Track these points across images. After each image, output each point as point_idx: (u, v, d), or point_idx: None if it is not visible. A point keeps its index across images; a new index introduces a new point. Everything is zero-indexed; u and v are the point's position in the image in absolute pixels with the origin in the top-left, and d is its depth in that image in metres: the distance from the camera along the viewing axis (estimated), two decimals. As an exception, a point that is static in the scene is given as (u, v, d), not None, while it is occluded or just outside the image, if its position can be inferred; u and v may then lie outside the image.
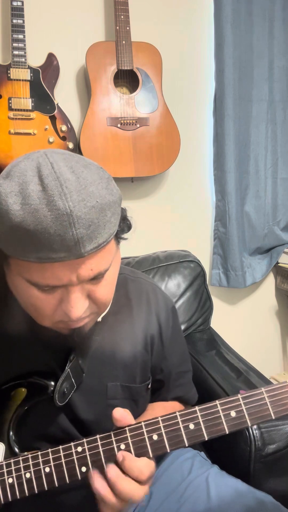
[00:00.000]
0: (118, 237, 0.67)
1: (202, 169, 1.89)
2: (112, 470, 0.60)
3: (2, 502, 0.65)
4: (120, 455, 0.61)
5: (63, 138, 1.58)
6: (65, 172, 0.58)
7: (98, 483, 0.60)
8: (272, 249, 1.98)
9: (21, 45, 1.51)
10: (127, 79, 1.64)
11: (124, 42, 1.58)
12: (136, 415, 0.65)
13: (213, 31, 1.76)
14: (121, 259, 1.47)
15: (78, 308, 0.62)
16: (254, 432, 0.96)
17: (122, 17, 1.57)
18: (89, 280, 0.62)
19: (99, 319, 0.79)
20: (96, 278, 0.63)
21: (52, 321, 0.66)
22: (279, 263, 1.97)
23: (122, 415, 0.63)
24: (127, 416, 0.63)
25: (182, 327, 1.47)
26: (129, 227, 0.70)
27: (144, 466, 0.60)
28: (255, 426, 0.97)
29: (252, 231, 1.92)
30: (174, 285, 1.48)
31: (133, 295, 0.86)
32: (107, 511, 0.62)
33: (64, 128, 1.57)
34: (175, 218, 1.87)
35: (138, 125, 1.62)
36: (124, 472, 0.60)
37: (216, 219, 1.88)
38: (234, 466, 0.95)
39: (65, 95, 1.64)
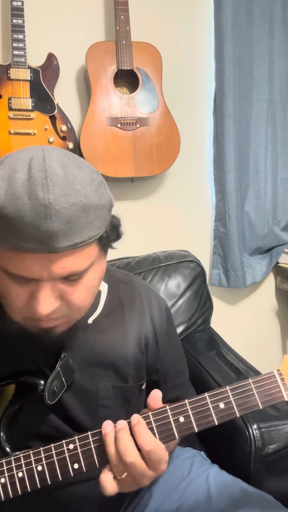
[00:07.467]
0: (103, 244, 0.66)
1: (202, 169, 1.89)
2: (121, 422, 0.63)
3: None
4: (135, 417, 0.63)
5: (63, 138, 1.58)
6: (54, 166, 0.58)
7: (107, 423, 0.63)
8: (272, 249, 1.98)
9: (21, 45, 1.51)
10: (127, 79, 1.64)
11: (124, 42, 1.58)
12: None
13: (213, 31, 1.76)
14: (121, 259, 1.51)
15: (45, 305, 0.61)
16: (254, 432, 0.96)
17: (122, 17, 1.57)
18: (62, 279, 0.62)
19: (90, 321, 0.78)
20: (71, 279, 0.62)
21: (22, 315, 0.66)
22: (279, 263, 1.97)
23: (155, 396, 0.66)
24: (158, 400, 0.66)
25: (182, 327, 1.47)
26: (118, 237, 0.69)
27: (150, 439, 0.62)
28: (255, 426, 0.97)
29: (252, 231, 1.92)
30: (174, 285, 1.48)
31: (126, 297, 0.86)
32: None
33: (64, 128, 1.57)
34: (175, 218, 1.87)
35: (138, 125, 1.62)
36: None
37: (216, 219, 1.88)
38: (234, 466, 0.95)
39: (65, 95, 1.64)
